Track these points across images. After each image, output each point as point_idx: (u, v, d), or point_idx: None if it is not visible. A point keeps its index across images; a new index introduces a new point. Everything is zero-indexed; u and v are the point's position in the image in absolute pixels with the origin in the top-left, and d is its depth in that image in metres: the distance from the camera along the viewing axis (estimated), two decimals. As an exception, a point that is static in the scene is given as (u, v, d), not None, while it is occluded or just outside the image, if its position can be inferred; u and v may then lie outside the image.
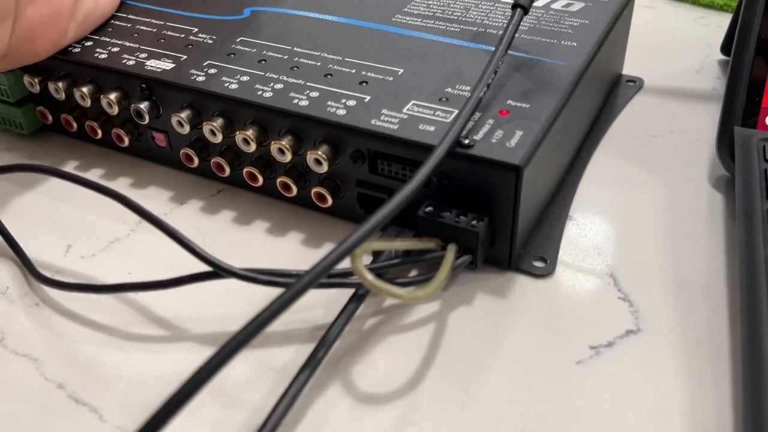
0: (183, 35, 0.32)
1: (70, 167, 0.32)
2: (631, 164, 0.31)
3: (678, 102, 0.35)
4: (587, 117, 0.32)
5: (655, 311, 0.24)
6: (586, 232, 0.27)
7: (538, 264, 0.26)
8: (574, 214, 0.28)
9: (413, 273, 0.26)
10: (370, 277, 0.20)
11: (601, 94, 0.34)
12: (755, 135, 0.27)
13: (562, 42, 0.29)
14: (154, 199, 0.30)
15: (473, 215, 0.24)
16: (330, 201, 0.27)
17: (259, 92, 0.27)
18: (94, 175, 0.32)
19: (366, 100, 0.26)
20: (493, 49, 0.29)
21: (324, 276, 0.19)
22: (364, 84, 0.27)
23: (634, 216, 0.28)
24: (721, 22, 0.44)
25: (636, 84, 0.37)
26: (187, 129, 0.28)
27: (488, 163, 0.23)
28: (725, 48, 0.38)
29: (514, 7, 0.27)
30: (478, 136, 0.24)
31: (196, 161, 0.29)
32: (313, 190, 0.27)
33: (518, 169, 0.23)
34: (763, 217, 0.24)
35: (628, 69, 0.38)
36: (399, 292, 0.20)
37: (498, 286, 0.25)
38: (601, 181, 0.30)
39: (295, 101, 0.26)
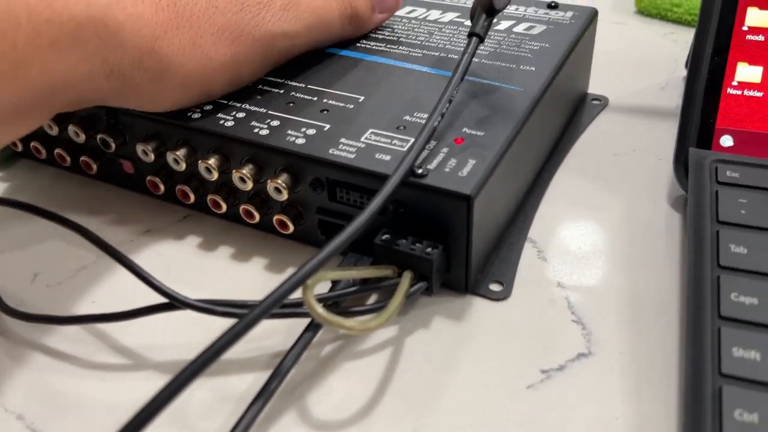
0: (150, 63, 0.32)
1: (38, 194, 0.33)
2: (593, 184, 0.31)
3: (642, 120, 0.36)
4: (548, 138, 0.32)
5: (607, 334, 0.24)
6: (544, 254, 0.28)
7: (495, 287, 0.26)
8: (533, 236, 0.29)
9: (373, 299, 0.26)
10: (319, 310, 0.20)
11: (564, 114, 0.34)
12: (708, 156, 0.28)
13: (521, 67, 0.30)
14: (123, 225, 0.31)
15: (428, 242, 0.24)
16: (291, 228, 0.27)
17: (221, 121, 0.27)
18: (62, 202, 0.32)
19: (325, 129, 0.27)
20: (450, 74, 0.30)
21: (275, 308, 0.20)
22: (325, 112, 0.28)
23: (591, 237, 0.28)
24: (689, 38, 0.44)
25: (601, 102, 0.37)
26: (152, 158, 0.29)
27: (440, 192, 0.23)
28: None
29: (470, 35, 0.28)
30: (431, 165, 0.24)
31: (162, 188, 0.30)
32: (275, 218, 0.27)
33: (469, 198, 0.23)
34: (711, 238, 0.24)
35: (594, 87, 0.39)
36: (348, 324, 0.21)
37: (455, 310, 0.25)
38: (562, 202, 0.30)
39: (256, 130, 0.27)
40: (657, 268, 0.27)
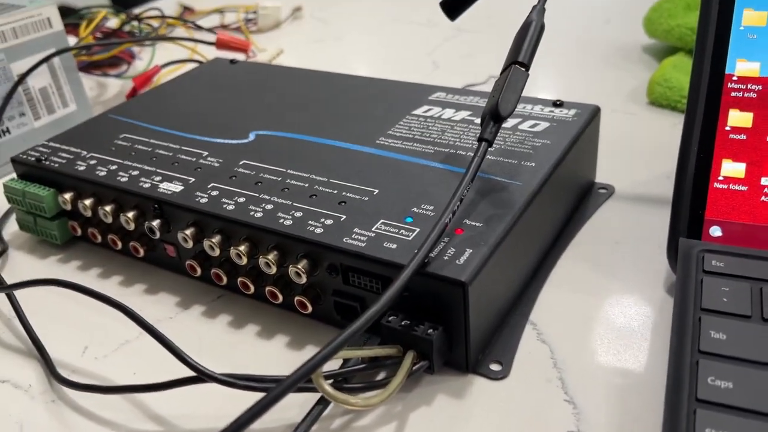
0: (194, 158, 0.36)
1: (93, 274, 0.37)
2: (594, 270, 0.34)
3: (646, 208, 0.38)
4: (550, 227, 0.35)
5: (596, 414, 0.26)
6: (543, 336, 0.30)
7: (495, 367, 0.28)
8: (534, 318, 0.31)
9: (382, 375, 0.28)
10: (327, 388, 0.23)
11: (568, 203, 0.37)
12: (697, 246, 0.30)
13: (522, 162, 0.33)
14: (164, 303, 0.34)
15: (430, 324, 0.27)
16: (310, 308, 0.30)
17: (252, 212, 0.31)
18: (113, 281, 0.36)
19: (342, 219, 0.30)
20: (459, 170, 0.33)
21: (294, 388, 0.22)
22: (343, 204, 0.31)
23: (588, 321, 0.30)
24: (698, 127, 0.47)
25: (607, 191, 0.40)
26: (191, 244, 0.32)
27: (439, 278, 0.26)
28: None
29: (480, 140, 0.30)
30: (432, 254, 0.27)
31: (199, 271, 0.33)
32: (296, 299, 0.30)
33: (464, 285, 0.26)
34: (693, 325, 0.26)
35: (603, 176, 0.41)
36: (353, 401, 0.24)
37: (456, 388, 0.28)
38: (563, 287, 0.33)
39: (281, 221, 0.30)
40: (649, 352, 0.28)
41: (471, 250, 0.27)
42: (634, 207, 0.38)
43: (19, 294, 0.34)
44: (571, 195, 0.37)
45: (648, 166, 0.42)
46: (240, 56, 0.60)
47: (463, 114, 0.39)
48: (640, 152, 0.44)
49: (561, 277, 0.33)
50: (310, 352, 0.30)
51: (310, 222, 0.30)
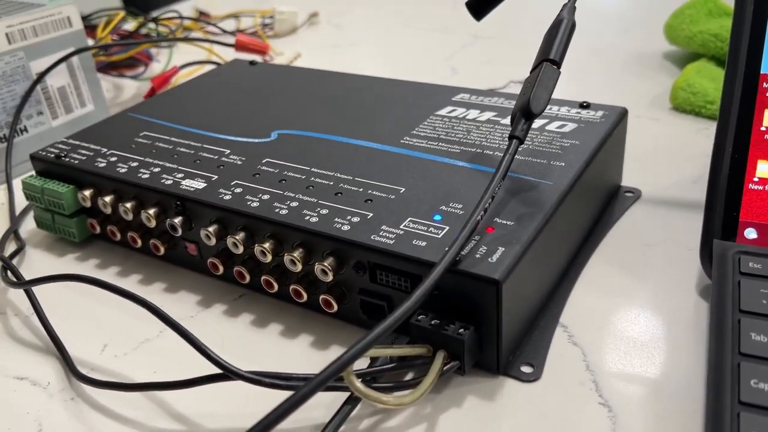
0: (216, 156, 0.36)
1: (111, 272, 0.36)
2: (623, 272, 0.33)
3: (673, 212, 0.37)
4: (579, 228, 0.34)
5: (632, 417, 0.25)
6: (574, 338, 0.29)
7: (526, 369, 0.28)
8: (564, 321, 0.30)
9: (410, 375, 0.28)
10: (359, 385, 0.23)
11: (596, 205, 0.36)
12: (732, 247, 0.29)
13: (552, 162, 0.32)
14: (184, 302, 0.34)
15: (461, 324, 0.26)
16: (336, 307, 0.30)
17: (277, 209, 0.31)
18: (132, 280, 0.36)
19: (369, 217, 0.29)
20: (486, 169, 0.32)
21: (323, 386, 0.22)
22: (369, 202, 0.31)
23: (620, 323, 0.30)
24: (723, 133, 0.46)
25: (634, 195, 0.39)
26: (213, 241, 0.32)
27: (472, 276, 0.26)
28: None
29: (511, 137, 0.30)
30: (464, 251, 0.26)
31: (221, 269, 0.33)
32: (321, 297, 0.30)
33: (498, 283, 0.25)
34: (733, 328, 0.25)
35: (629, 180, 0.40)
36: (385, 399, 0.23)
37: (487, 390, 0.27)
38: (593, 289, 0.32)
39: (307, 218, 0.30)
40: (683, 355, 0.28)
41: (503, 249, 0.26)
42: (662, 210, 0.38)
43: (37, 291, 0.33)
44: (598, 197, 0.36)
45: (674, 170, 0.42)
46: (258, 59, 0.60)
47: (488, 115, 0.38)
48: (665, 157, 0.43)
49: (590, 279, 0.33)
50: (335, 351, 0.30)
51: (336, 219, 0.29)
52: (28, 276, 0.34)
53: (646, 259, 0.34)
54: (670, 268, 0.33)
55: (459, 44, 0.68)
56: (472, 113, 0.38)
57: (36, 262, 0.38)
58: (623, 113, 0.37)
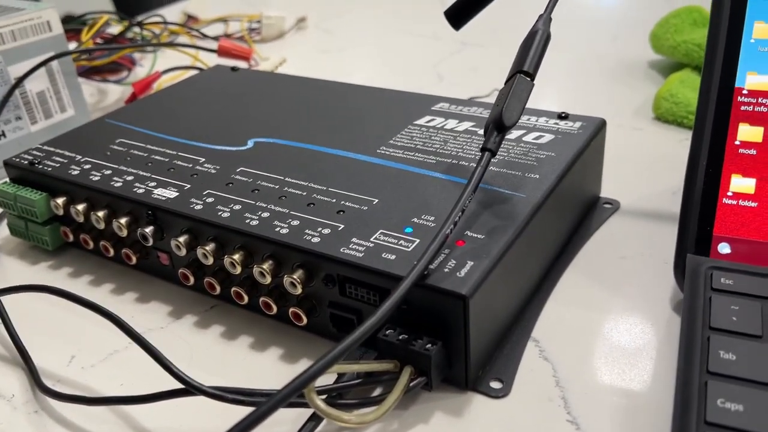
0: (191, 165, 0.36)
1: (84, 281, 0.36)
2: (598, 285, 0.33)
3: (651, 224, 0.37)
4: (554, 241, 0.34)
5: (600, 435, 0.25)
6: (545, 353, 0.29)
7: (495, 385, 0.27)
8: (536, 335, 0.30)
9: (378, 391, 0.27)
10: (320, 404, 0.22)
11: (572, 217, 0.36)
12: (705, 263, 0.29)
13: (526, 174, 0.32)
14: (155, 312, 0.33)
15: (428, 339, 0.26)
16: (305, 320, 0.29)
17: (247, 220, 0.30)
18: (105, 289, 0.35)
19: (339, 229, 0.29)
20: (461, 180, 0.32)
21: (284, 403, 0.21)
22: (341, 213, 0.30)
23: (592, 339, 0.29)
24: (705, 143, 0.46)
25: (612, 206, 0.39)
26: (184, 252, 0.32)
27: (439, 291, 0.25)
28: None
29: (483, 150, 0.30)
30: (432, 265, 0.26)
31: (192, 280, 0.32)
32: (291, 310, 0.29)
33: (465, 298, 0.25)
34: (702, 345, 0.25)
35: (608, 191, 0.40)
36: (346, 418, 0.23)
37: (455, 406, 0.27)
38: (567, 303, 0.32)
39: (277, 229, 0.29)
40: (655, 371, 0.27)
41: (472, 263, 0.26)
42: (640, 222, 0.37)
43: (5, 301, 0.33)
44: (575, 209, 0.36)
45: (654, 181, 0.41)
46: (242, 64, 0.60)
47: (467, 125, 0.38)
48: (646, 167, 0.43)
49: (564, 292, 0.32)
50: (304, 365, 0.29)
51: (307, 231, 0.29)
52: (-2, 285, 0.33)
53: (622, 271, 0.33)
54: (646, 282, 0.33)
55: (447, 51, 0.68)
56: (451, 123, 0.38)
57: (8, 270, 0.38)
58: (601, 124, 0.37)
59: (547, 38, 0.31)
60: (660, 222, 0.37)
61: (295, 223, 0.30)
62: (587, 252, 0.35)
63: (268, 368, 0.29)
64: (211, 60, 0.60)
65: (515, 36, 0.68)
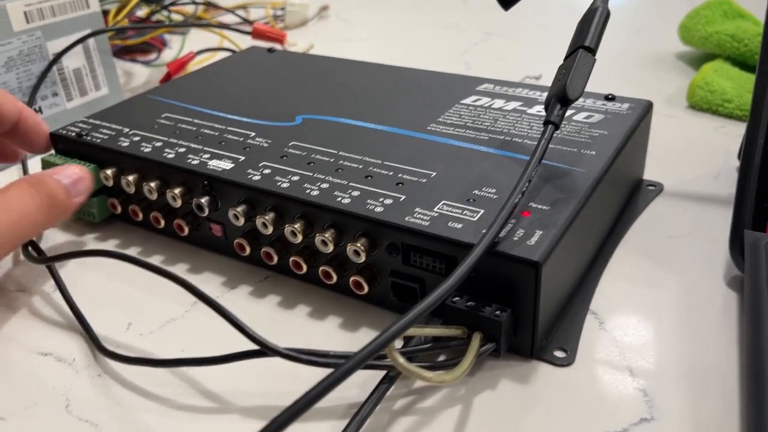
0: (242, 139, 0.36)
1: (132, 252, 0.36)
2: (650, 262, 0.33)
3: (696, 205, 0.37)
4: (607, 218, 0.34)
5: (669, 401, 0.25)
6: (605, 325, 0.29)
7: (559, 354, 0.28)
8: (594, 308, 0.30)
9: (441, 358, 0.28)
10: (402, 361, 0.22)
11: (621, 196, 0.36)
12: (763, 238, 0.29)
13: (582, 151, 0.32)
14: (208, 283, 0.33)
15: (497, 306, 0.26)
16: (366, 289, 0.30)
17: (307, 190, 0.30)
18: (154, 261, 0.35)
19: (401, 199, 0.29)
20: (516, 155, 0.32)
21: (368, 361, 0.22)
22: (400, 185, 0.30)
23: (650, 311, 0.30)
24: (740, 131, 0.46)
25: (656, 188, 0.39)
26: (242, 221, 0.32)
27: (510, 258, 0.25)
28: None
29: (546, 123, 0.30)
30: (502, 234, 0.26)
31: (248, 250, 0.32)
32: (351, 279, 0.30)
33: (537, 265, 0.25)
34: (769, 315, 0.25)
35: (650, 174, 0.41)
36: (428, 375, 0.23)
37: (521, 374, 0.27)
38: (621, 278, 0.32)
39: (338, 199, 0.30)
40: (715, 342, 0.28)
41: (541, 232, 0.26)
42: (684, 204, 0.38)
43: (58, 271, 0.33)
44: (624, 188, 0.36)
45: (694, 166, 0.42)
46: (276, 47, 0.60)
47: (514, 104, 0.38)
48: (684, 153, 0.44)
49: (618, 268, 0.33)
50: (365, 333, 0.29)
51: (368, 201, 0.29)
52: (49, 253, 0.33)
53: (672, 249, 0.34)
54: (696, 259, 0.33)
55: (471, 41, 0.68)
56: (498, 102, 0.38)
57: (53, 243, 0.37)
58: (648, 106, 0.37)
59: (607, 15, 0.31)
60: (704, 204, 0.38)
61: (356, 193, 0.30)
62: (636, 231, 0.35)
63: (327, 337, 0.29)
64: (241, 42, 0.60)
65: (538, 27, 0.68)
